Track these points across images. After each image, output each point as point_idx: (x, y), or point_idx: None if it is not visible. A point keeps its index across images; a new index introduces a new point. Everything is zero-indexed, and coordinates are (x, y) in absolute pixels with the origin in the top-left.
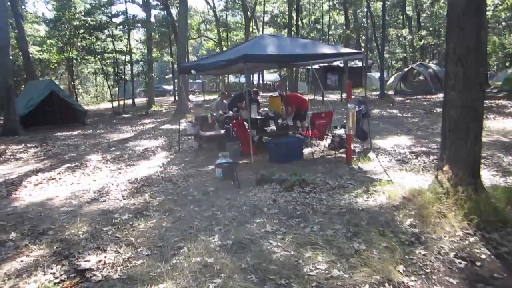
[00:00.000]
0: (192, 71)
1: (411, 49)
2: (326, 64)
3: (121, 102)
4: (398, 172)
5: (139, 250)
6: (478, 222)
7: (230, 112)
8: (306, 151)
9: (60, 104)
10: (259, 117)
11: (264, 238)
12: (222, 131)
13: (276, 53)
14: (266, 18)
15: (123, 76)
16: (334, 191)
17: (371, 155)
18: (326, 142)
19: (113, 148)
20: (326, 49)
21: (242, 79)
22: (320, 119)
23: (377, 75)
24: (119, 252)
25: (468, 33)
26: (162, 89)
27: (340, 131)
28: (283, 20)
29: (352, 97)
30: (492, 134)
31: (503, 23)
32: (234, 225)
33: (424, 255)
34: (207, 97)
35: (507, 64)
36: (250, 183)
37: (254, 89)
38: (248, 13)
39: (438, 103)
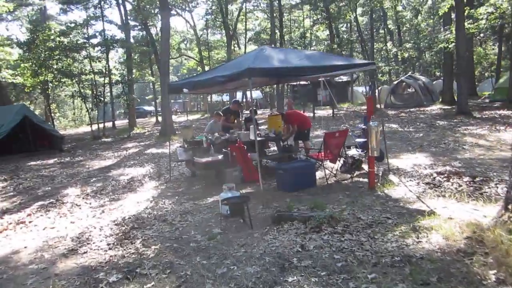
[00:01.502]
0: (185, 90)
1: (393, 62)
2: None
3: (101, 125)
4: (435, 199)
5: None
6: None
7: (227, 134)
8: (317, 175)
9: (34, 130)
10: (259, 138)
11: None
12: (220, 157)
13: (283, 65)
14: (248, 35)
15: (102, 98)
16: (372, 229)
17: (393, 178)
18: (337, 164)
19: (93, 179)
20: (337, 61)
21: (225, 98)
22: (335, 139)
23: (360, 89)
24: None
25: None
26: (142, 110)
27: (353, 152)
28: (266, 36)
29: (348, 111)
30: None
31: (487, 33)
32: None
33: None
34: (190, 117)
35: (490, 74)
36: (264, 221)
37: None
38: (230, 31)
39: (436, 116)
